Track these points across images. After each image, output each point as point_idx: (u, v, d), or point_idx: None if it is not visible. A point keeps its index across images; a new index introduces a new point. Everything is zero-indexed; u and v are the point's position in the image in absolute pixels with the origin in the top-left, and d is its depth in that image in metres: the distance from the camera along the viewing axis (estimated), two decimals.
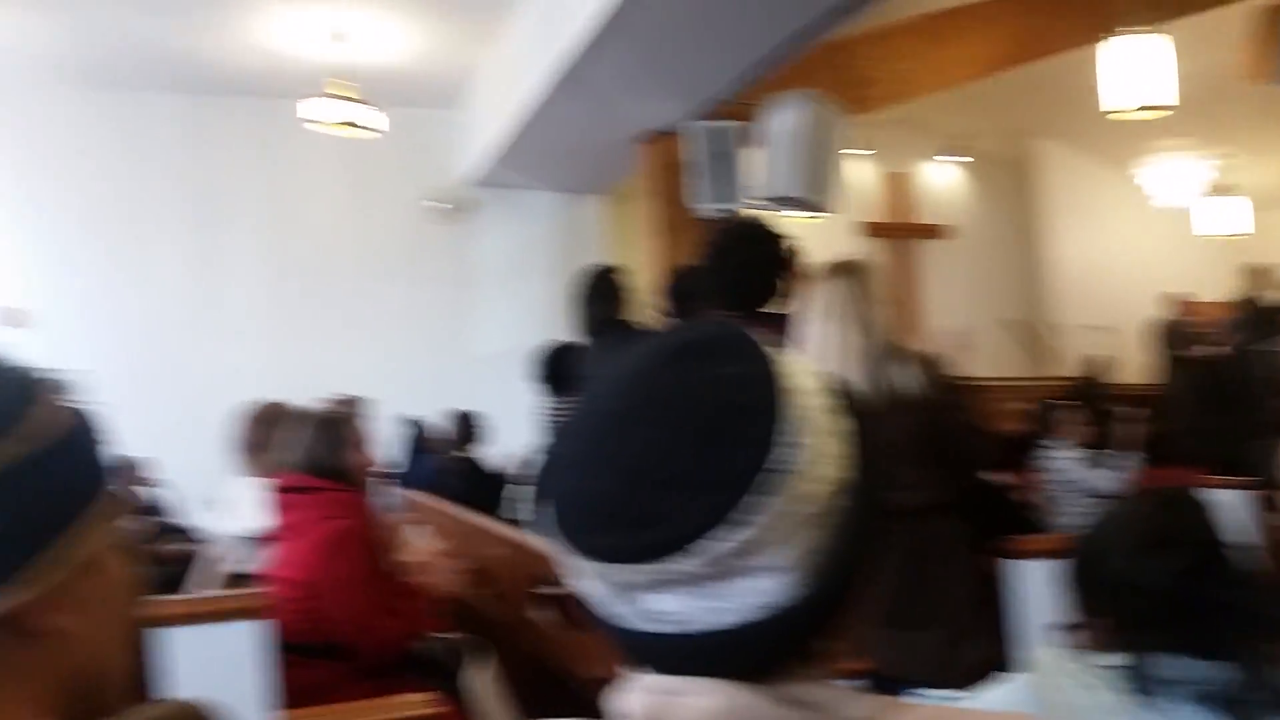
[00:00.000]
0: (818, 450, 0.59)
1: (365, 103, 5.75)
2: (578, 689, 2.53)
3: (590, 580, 0.61)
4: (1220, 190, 10.28)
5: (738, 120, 5.04)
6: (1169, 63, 5.81)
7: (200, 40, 5.82)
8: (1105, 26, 6.05)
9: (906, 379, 2.37)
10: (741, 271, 2.82)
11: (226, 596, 2.51)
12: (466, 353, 7.23)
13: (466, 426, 5.22)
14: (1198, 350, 8.30)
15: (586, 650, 2.42)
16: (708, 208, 5.15)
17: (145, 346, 6.43)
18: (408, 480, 5.31)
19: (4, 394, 0.63)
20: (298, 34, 5.70)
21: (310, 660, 2.42)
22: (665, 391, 0.60)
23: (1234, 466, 5.47)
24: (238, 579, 2.95)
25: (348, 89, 5.72)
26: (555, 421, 4.23)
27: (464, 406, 5.39)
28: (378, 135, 5.94)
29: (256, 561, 2.95)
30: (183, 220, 6.80)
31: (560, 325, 4.42)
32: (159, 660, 2.04)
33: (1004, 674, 1.35)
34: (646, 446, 0.58)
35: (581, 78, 4.71)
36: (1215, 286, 10.36)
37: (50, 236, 6.53)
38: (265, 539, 2.84)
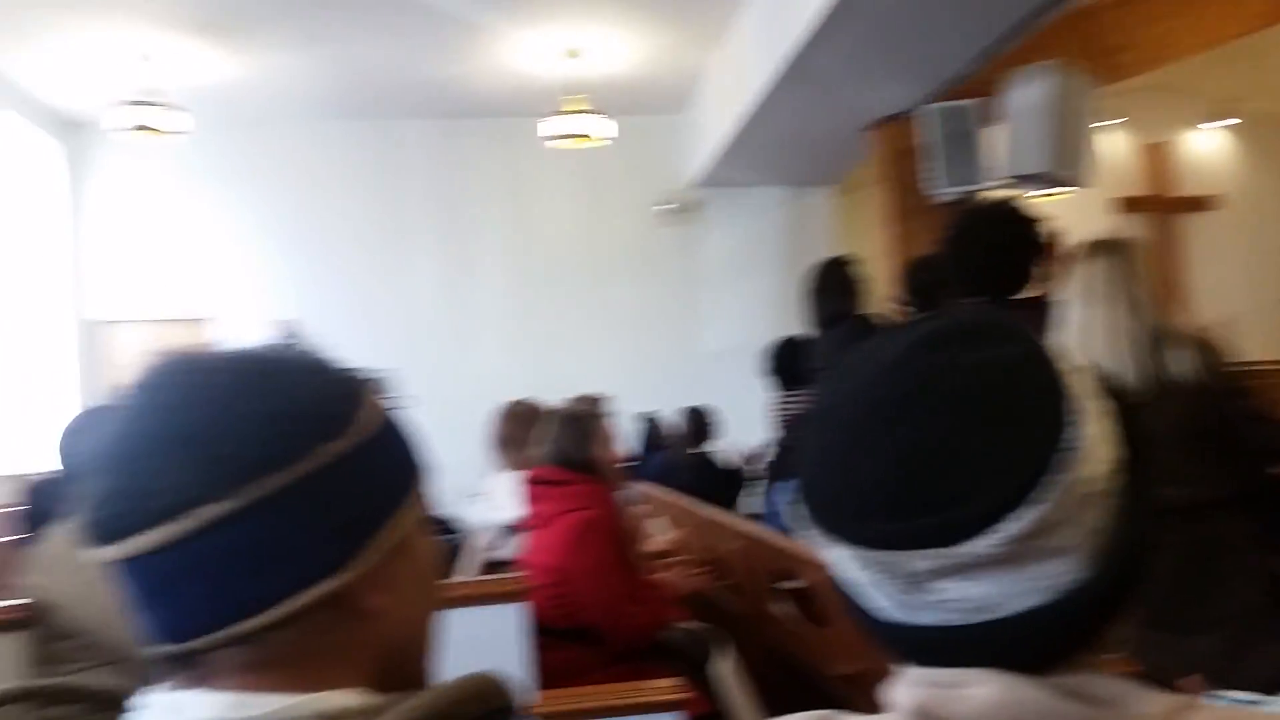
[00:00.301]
0: (1096, 428, 0.59)
1: (597, 114, 5.95)
2: (823, 685, 2.49)
3: (861, 571, 0.61)
4: None
5: (976, 98, 4.81)
6: None
7: (448, 68, 6.21)
8: None
9: (1180, 364, 2.18)
10: (990, 256, 2.68)
11: (488, 581, 2.66)
12: (697, 350, 7.34)
13: (698, 422, 5.28)
14: None
15: (832, 646, 2.39)
16: (946, 192, 4.95)
17: (405, 352, 6.92)
18: (642, 474, 5.44)
19: (338, 392, 0.68)
20: (535, 54, 5.96)
21: (562, 644, 2.54)
22: (941, 376, 0.60)
23: None
24: (496, 566, 3.13)
25: (581, 103, 5.94)
26: (786, 415, 4.21)
27: (695, 402, 5.45)
28: (607, 144, 6.14)
29: (513, 549, 3.12)
30: (435, 235, 7.31)
31: (790, 320, 4.39)
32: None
33: None
34: (929, 431, 0.58)
35: (808, 68, 4.64)
36: None
37: (318, 254, 7.20)
38: (520, 528, 3.00)
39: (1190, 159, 10.39)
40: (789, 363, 4.19)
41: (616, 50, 5.95)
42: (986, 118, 4.85)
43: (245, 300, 7.11)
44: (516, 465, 3.28)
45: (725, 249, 7.49)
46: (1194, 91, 10.05)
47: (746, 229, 7.50)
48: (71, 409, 6.44)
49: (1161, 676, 2.26)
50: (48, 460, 2.32)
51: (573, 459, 2.74)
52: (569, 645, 2.56)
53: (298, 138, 7.18)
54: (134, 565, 0.61)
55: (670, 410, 6.02)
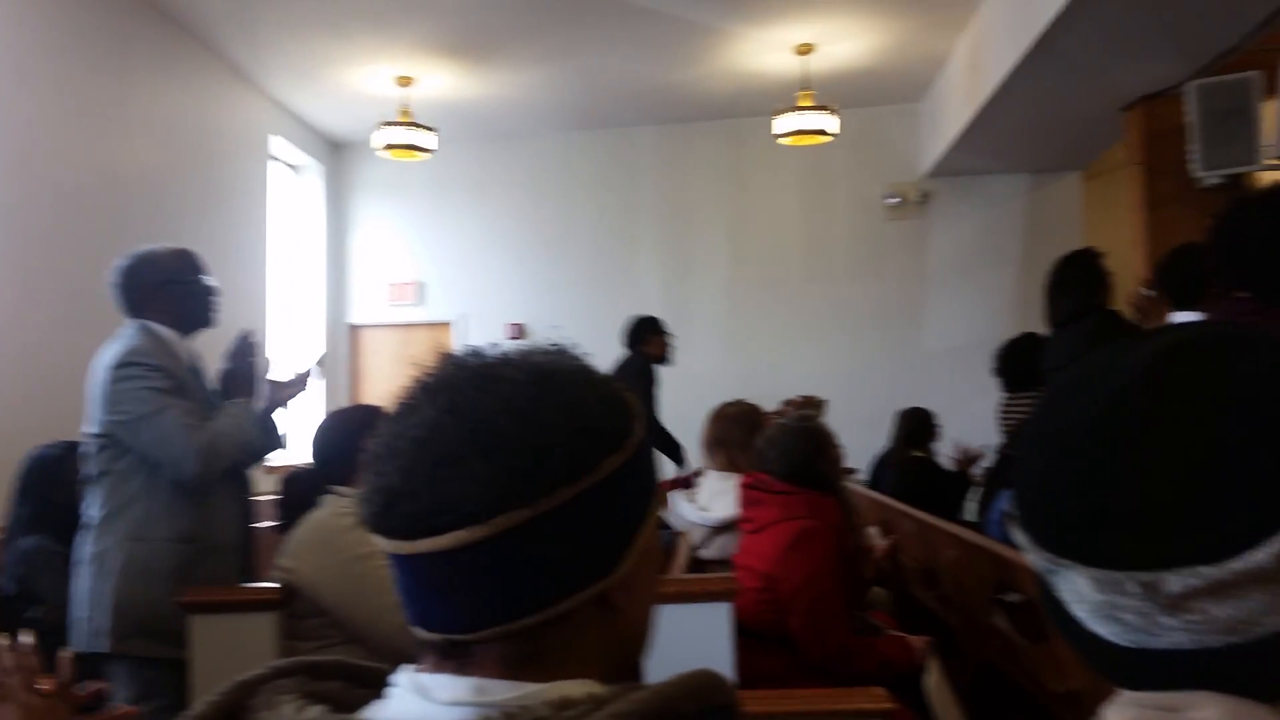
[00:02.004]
0: None
1: (826, 109, 5.81)
2: (1039, 701, 2.36)
3: (1098, 594, 0.59)
4: None
5: (1255, 70, 4.30)
6: None
7: (678, 72, 6.28)
8: None
9: None
10: (1267, 247, 2.37)
11: (697, 579, 2.65)
12: (924, 349, 7.03)
13: (918, 423, 5.03)
14: None
15: (1050, 662, 2.26)
16: (1213, 174, 4.46)
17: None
18: (868, 480, 5.27)
19: (618, 404, 0.72)
20: (766, 52, 5.91)
21: (767, 648, 2.50)
22: (1203, 388, 0.58)
23: None
24: (702, 565, 3.11)
25: (811, 98, 5.83)
26: (1012, 419, 3.96)
27: (917, 404, 5.21)
28: (830, 139, 6.00)
29: (719, 549, 3.09)
30: (661, 238, 7.43)
31: (1023, 317, 4.10)
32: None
33: None
34: (1193, 446, 0.56)
35: (1058, 46, 4.31)
36: None
37: (552, 260, 7.48)
38: (736, 530, 2.96)
39: None
40: (1020, 362, 3.94)
41: (851, 43, 5.80)
42: (1266, 92, 4.33)
43: (485, 305, 7.48)
44: (727, 466, 3.25)
45: (956, 242, 7.13)
46: None
47: (980, 220, 7.11)
48: (325, 407, 7.03)
49: None
50: (303, 454, 2.49)
51: (801, 470, 2.70)
52: (774, 651, 2.52)
53: (534, 150, 7.51)
54: (422, 562, 0.65)
55: (894, 412, 5.79)
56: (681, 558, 3.10)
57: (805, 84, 5.88)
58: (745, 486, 2.81)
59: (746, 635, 2.41)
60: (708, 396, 4.21)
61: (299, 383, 2.73)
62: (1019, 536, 0.63)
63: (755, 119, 6.61)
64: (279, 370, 2.72)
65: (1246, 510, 0.55)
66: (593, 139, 7.44)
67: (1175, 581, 0.56)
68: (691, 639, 2.17)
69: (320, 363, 2.86)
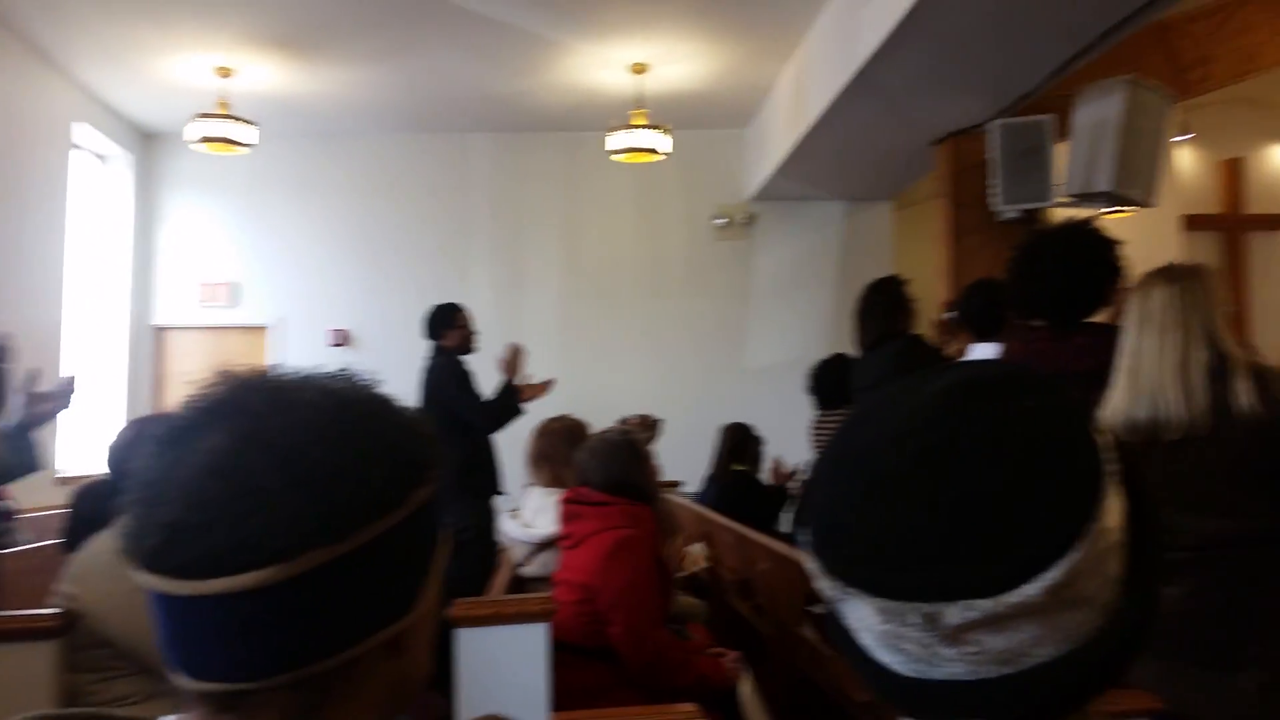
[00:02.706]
0: (1114, 479, 0.60)
1: (658, 128, 5.91)
2: (847, 711, 2.46)
3: (883, 625, 0.59)
4: None
5: (1050, 113, 4.66)
6: None
7: (515, 82, 6.23)
8: None
9: (1240, 396, 2.09)
10: (1061, 279, 2.59)
11: (511, 601, 2.64)
12: (745, 366, 7.25)
13: (743, 439, 5.17)
14: None
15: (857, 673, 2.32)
16: (1014, 208, 4.80)
17: None
18: (697, 494, 5.36)
19: (423, 434, 0.69)
20: (601, 69, 5.95)
21: (589, 662, 2.51)
22: (979, 424, 0.59)
23: None
24: (527, 583, 3.09)
25: (644, 117, 5.91)
26: (823, 436, 4.14)
27: (741, 419, 5.36)
28: (663, 159, 6.11)
29: (543, 566, 3.08)
30: (492, 248, 7.35)
31: (841, 337, 4.29)
32: (455, 657, 2.17)
33: None
34: (976, 481, 0.57)
35: (875, 81, 4.54)
36: None
37: (378, 265, 7.25)
38: (552, 545, 2.96)
39: (1264, 176, 10.07)
40: (832, 382, 4.13)
41: (683, 65, 5.92)
42: (1058, 134, 4.70)
43: (305, 309, 7.18)
44: (552, 482, 3.25)
45: (779, 264, 7.39)
46: (1273, 106, 9.75)
47: (801, 244, 7.40)
48: (124, 414, 6.57)
49: (1190, 713, 2.16)
50: (98, 464, 2.30)
51: (618, 481, 2.73)
52: (593, 665, 2.52)
53: (362, 150, 7.28)
54: (207, 604, 0.59)
55: (716, 428, 5.93)
56: (503, 576, 3.06)
57: (639, 102, 5.96)
58: (565, 502, 2.81)
59: (566, 650, 2.40)
60: (537, 410, 4.20)
61: (60, 396, 2.50)
62: (808, 562, 0.63)
63: (590, 133, 6.65)
64: (38, 381, 2.48)
65: (1021, 545, 0.56)
66: (424, 143, 7.28)
67: (954, 613, 0.56)
68: (507, 661, 2.14)
69: (68, 379, 2.55)
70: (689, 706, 2.11)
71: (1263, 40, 5.39)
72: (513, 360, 4.70)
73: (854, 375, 3.83)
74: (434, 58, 5.84)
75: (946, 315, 3.94)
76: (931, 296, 5.32)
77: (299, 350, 7.07)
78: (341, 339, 7.14)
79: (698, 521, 4.36)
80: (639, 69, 5.85)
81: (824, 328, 6.92)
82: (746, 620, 3.36)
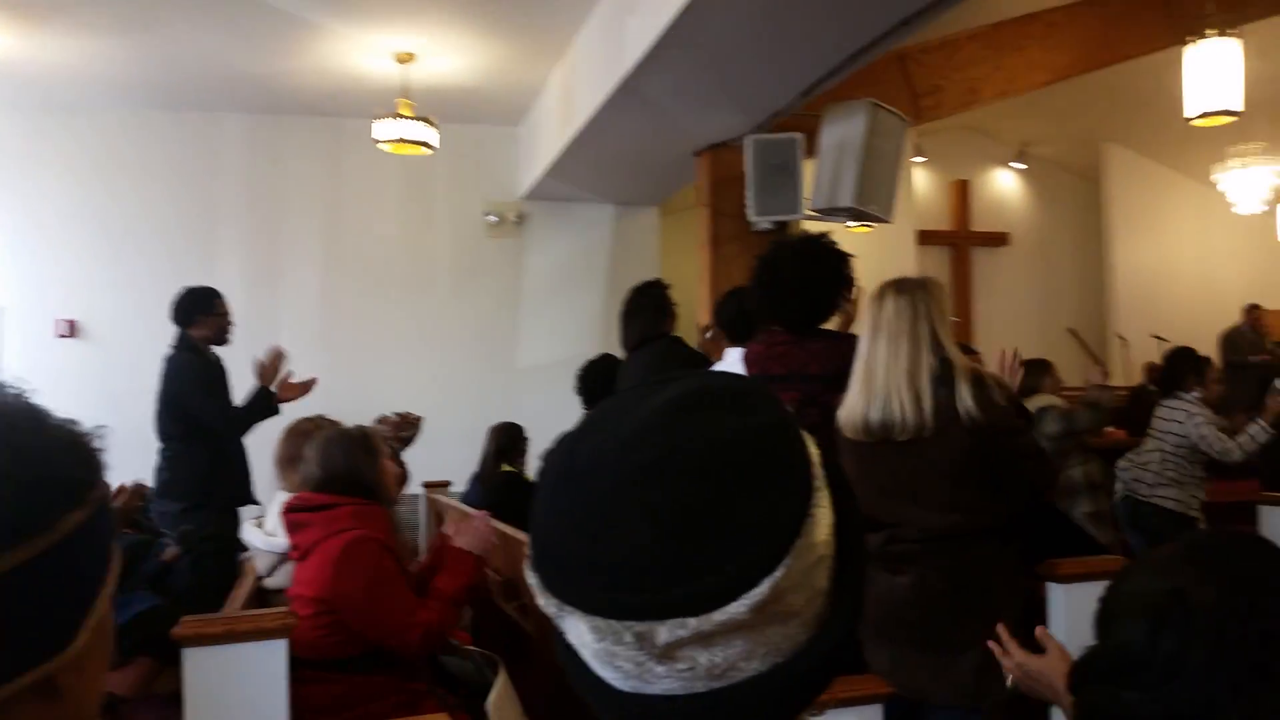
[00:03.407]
0: (822, 494, 0.61)
1: (426, 121, 5.78)
2: None
3: (598, 643, 0.59)
4: None
5: (801, 131, 4.95)
6: (1238, 67, 5.61)
7: (272, 62, 5.89)
8: (1182, 31, 5.85)
9: (962, 400, 2.30)
10: (797, 288, 2.76)
11: (247, 617, 2.49)
12: (516, 365, 7.23)
13: (511, 440, 5.17)
14: (1255, 358, 8.12)
15: None
16: (766, 220, 5.06)
17: None
18: (465, 493, 5.30)
19: (83, 453, 0.64)
20: (364, 55, 5.74)
21: (333, 677, 2.41)
22: (697, 442, 0.59)
23: None
24: (272, 595, 2.93)
25: (410, 108, 5.75)
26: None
27: (512, 419, 5.35)
28: (432, 152, 5.97)
29: (287, 577, 2.93)
30: (244, 236, 6.90)
31: (611, 338, 4.39)
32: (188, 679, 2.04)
33: None
34: (687, 498, 0.57)
35: (638, 90, 4.65)
36: None
37: (111, 250, 6.65)
38: (290, 556, 2.81)
39: (986, 198, 11.14)
40: (599, 382, 4.20)
41: (452, 59, 5.80)
42: (808, 151, 5.00)
43: (27, 298, 6.49)
44: (300, 487, 3.09)
45: (550, 263, 7.42)
46: (994, 135, 10.81)
47: (572, 245, 7.47)
48: None
49: (917, 695, 2.36)
50: None
51: (344, 479, 2.57)
52: (342, 678, 2.42)
53: (99, 126, 6.63)
54: None
55: (487, 427, 5.89)
56: (244, 589, 2.89)
57: (405, 93, 5.81)
58: (287, 512, 2.61)
59: (309, 666, 2.29)
60: (292, 410, 3.99)
61: None
62: (529, 577, 0.62)
63: (356, 120, 6.41)
64: None
65: (727, 564, 0.56)
66: (171, 121, 6.73)
67: (664, 632, 0.56)
68: (242, 682, 2.01)
69: None
70: (440, 716, 2.08)
71: (985, 74, 5.96)
72: (272, 365, 4.44)
73: (619, 376, 3.91)
74: (184, 31, 5.43)
75: (708, 321, 4.11)
76: (694, 301, 5.53)
77: (21, 342, 6.39)
78: (69, 329, 6.51)
79: (459, 517, 4.29)
80: (405, 58, 5.70)
81: (594, 328, 7.01)
82: (511, 620, 3.35)
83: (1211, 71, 5.59)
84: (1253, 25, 5.83)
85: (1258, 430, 4.51)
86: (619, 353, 4.10)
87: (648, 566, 0.56)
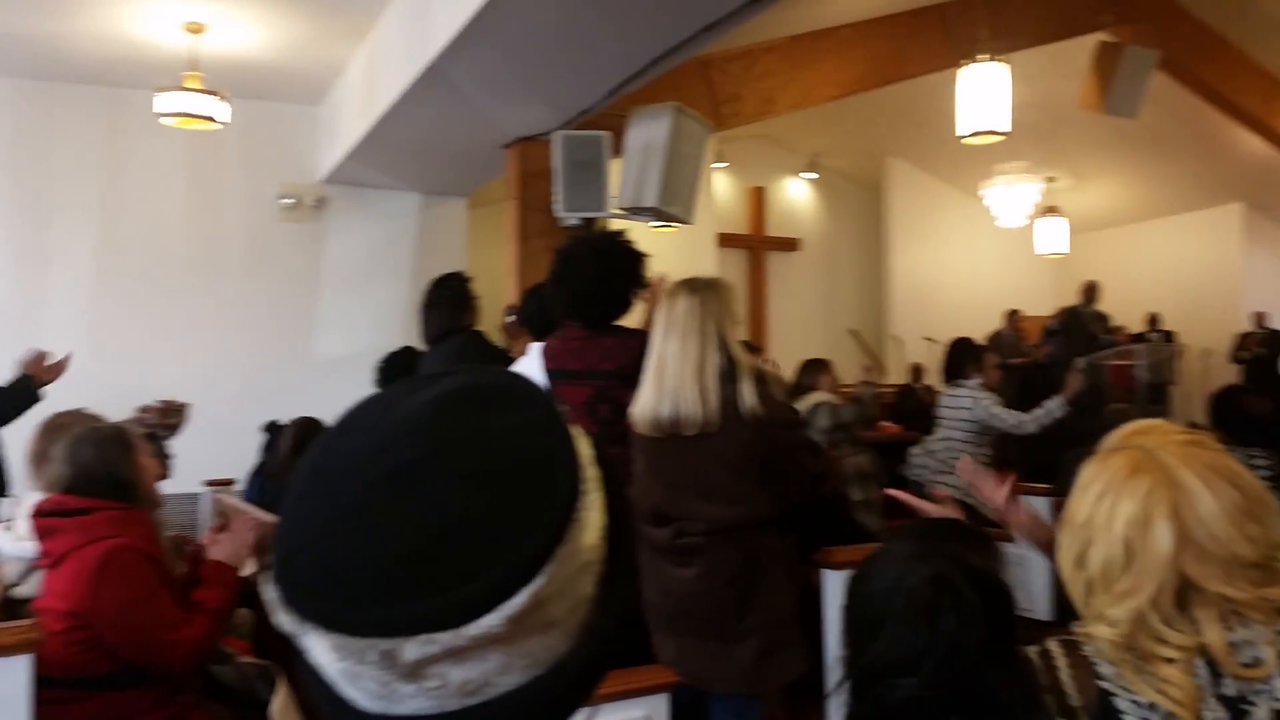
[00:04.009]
0: (593, 498, 0.59)
1: (217, 95, 5.46)
2: None
3: (340, 662, 0.55)
4: (1046, 212, 10.96)
5: (607, 130, 5.02)
6: (1006, 90, 6.14)
7: (40, 24, 5.38)
8: (959, 54, 6.33)
9: (746, 396, 2.41)
10: (592, 284, 2.81)
11: None
12: (311, 357, 6.95)
13: (311, 435, 4.97)
14: (1015, 360, 8.89)
15: None
16: (571, 216, 5.11)
17: None
18: (247, 491, 5.05)
19: None
20: (150, 23, 5.35)
21: (87, 695, 2.24)
22: (459, 441, 0.56)
23: (1040, 474, 5.80)
24: (21, 605, 2.67)
25: (199, 81, 5.42)
26: None
27: (307, 413, 5.14)
28: (221, 128, 5.65)
29: (36, 587, 2.70)
30: (7, 211, 6.29)
31: (413, 330, 4.31)
32: None
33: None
34: (438, 504, 0.54)
35: (444, 78, 4.58)
36: (1043, 301, 11.08)
37: None
38: (39, 564, 2.59)
39: (781, 204, 11.67)
40: (398, 375, 4.11)
41: (247, 31, 5.50)
42: (614, 150, 5.08)
43: None
44: (46, 488, 2.83)
45: (351, 251, 7.17)
46: (789, 145, 11.32)
47: (375, 232, 7.25)
48: None
49: (699, 684, 2.47)
50: None
51: (99, 481, 2.40)
52: (96, 696, 2.25)
53: None
54: None
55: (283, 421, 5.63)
56: None
57: (195, 65, 5.47)
58: (35, 516, 2.40)
59: (57, 685, 2.11)
60: (59, 403, 3.66)
61: None
62: (267, 591, 0.57)
63: (137, 91, 5.96)
64: None
65: (481, 574, 0.53)
66: None
67: (412, 649, 0.53)
68: None
69: None
70: None
71: (781, 85, 6.24)
72: (37, 364, 4.05)
73: (420, 370, 3.85)
74: None
75: (510, 317, 4.10)
76: (502, 295, 5.50)
77: None
78: None
79: (246, 520, 4.09)
80: (194, 28, 5.37)
81: (395, 320, 6.82)
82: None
83: (982, 93, 6.10)
84: (1021, 54, 6.39)
85: (1054, 405, 4.91)
86: (421, 346, 4.03)
87: (394, 578, 0.53)
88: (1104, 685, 1.15)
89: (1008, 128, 6.21)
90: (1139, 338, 10.20)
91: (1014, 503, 1.62)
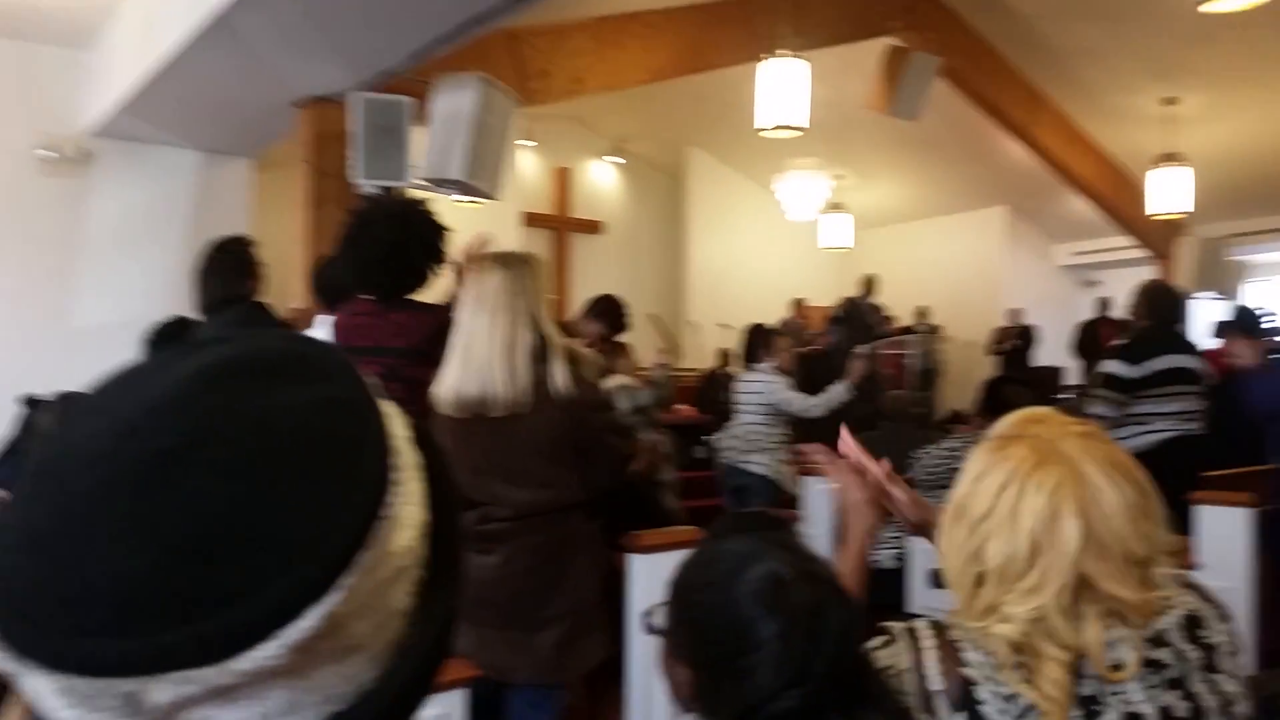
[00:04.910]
0: (409, 490, 0.48)
1: None
2: None
3: (68, 709, 0.42)
4: (832, 208, 11.56)
5: (410, 96, 4.82)
6: (805, 87, 6.37)
7: None
8: (760, 48, 6.51)
9: (556, 376, 2.36)
10: (387, 250, 2.64)
11: None
12: (72, 324, 6.34)
13: (68, 412, 4.52)
14: (799, 349, 9.34)
15: None
16: (369, 184, 4.88)
17: None
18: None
19: None
20: None
21: None
22: (228, 423, 0.44)
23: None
24: None
25: None
26: None
27: (67, 386, 4.68)
28: None
29: None
30: None
31: (189, 298, 4.00)
32: None
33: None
34: (197, 507, 0.42)
35: (231, 27, 4.25)
36: (827, 292, 11.69)
37: None
38: None
39: (586, 187, 11.71)
40: (168, 347, 3.80)
41: None
42: (417, 117, 4.89)
43: None
44: None
45: (120, 211, 6.57)
46: (595, 128, 11.36)
47: (148, 192, 6.67)
48: None
49: (500, 674, 2.41)
50: None
51: None
52: None
53: None
54: None
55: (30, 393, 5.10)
56: None
57: None
58: None
59: None
60: None
61: None
62: None
63: None
64: None
65: (254, 593, 0.42)
66: None
67: (164, 690, 0.42)
68: None
69: None
70: None
71: (590, 65, 6.21)
72: None
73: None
74: None
75: (296, 306, 3.87)
76: (290, 263, 5.19)
77: None
78: None
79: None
80: None
81: (170, 286, 6.31)
82: None
83: (782, 88, 6.30)
84: (815, 53, 6.64)
85: (840, 389, 5.14)
86: (187, 315, 3.73)
87: (138, 601, 0.41)
88: (967, 673, 1.13)
89: (806, 124, 6.45)
90: (909, 329, 10.95)
91: (895, 480, 1.57)
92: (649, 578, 2.62)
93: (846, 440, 1.59)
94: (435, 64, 4.72)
